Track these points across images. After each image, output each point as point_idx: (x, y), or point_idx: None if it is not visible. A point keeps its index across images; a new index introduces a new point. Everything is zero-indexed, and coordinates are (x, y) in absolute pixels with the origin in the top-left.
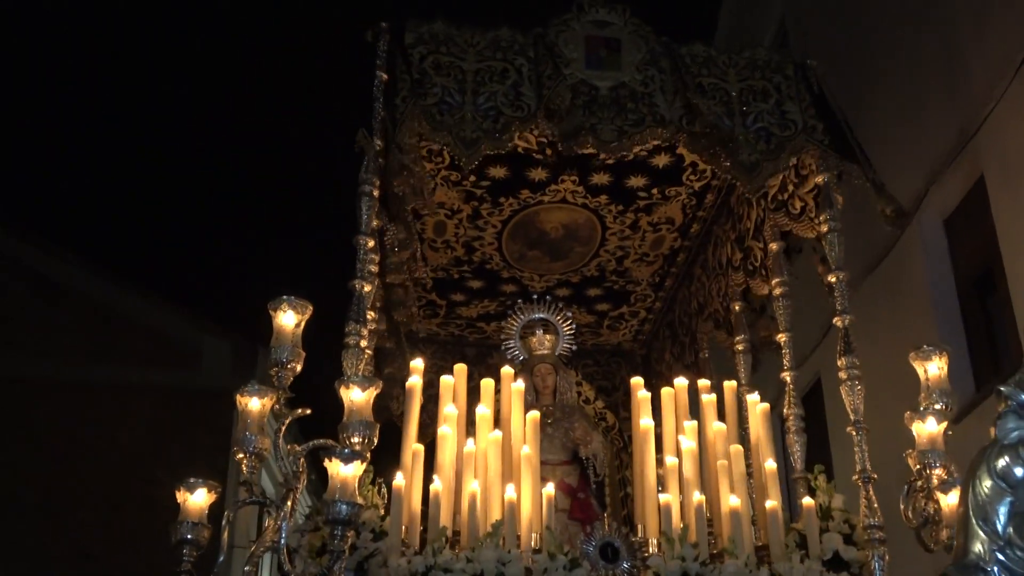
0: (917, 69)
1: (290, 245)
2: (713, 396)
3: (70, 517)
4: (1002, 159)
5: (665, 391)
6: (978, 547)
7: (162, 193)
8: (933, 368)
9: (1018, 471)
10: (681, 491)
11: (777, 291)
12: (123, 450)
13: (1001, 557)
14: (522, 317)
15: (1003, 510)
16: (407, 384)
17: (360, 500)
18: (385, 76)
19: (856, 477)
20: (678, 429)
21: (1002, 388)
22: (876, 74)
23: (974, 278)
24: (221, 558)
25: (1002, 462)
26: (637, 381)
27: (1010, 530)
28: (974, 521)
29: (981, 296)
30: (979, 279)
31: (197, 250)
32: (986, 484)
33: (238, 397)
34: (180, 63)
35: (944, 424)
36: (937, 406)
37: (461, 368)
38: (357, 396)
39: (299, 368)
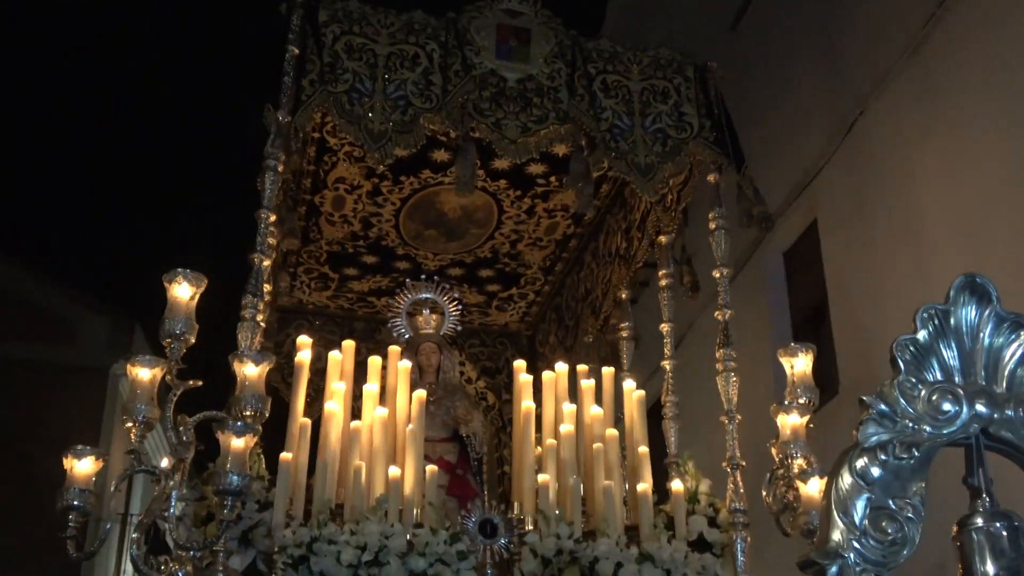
0: (774, 112)
1: (172, 220)
2: (592, 382)
3: None
4: (831, 207)
5: (547, 375)
6: (837, 536)
7: (40, 165)
8: (799, 364)
9: (875, 471)
10: (558, 472)
11: (663, 282)
12: None
13: (857, 545)
14: (409, 296)
15: (860, 504)
16: (295, 359)
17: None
18: (296, 51)
19: (725, 464)
20: (557, 412)
21: (864, 398)
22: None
23: (807, 309)
24: (108, 525)
25: (861, 463)
26: (520, 364)
27: (866, 522)
28: (835, 513)
29: (814, 326)
30: (812, 310)
31: (76, 224)
32: (847, 481)
33: (128, 367)
34: (68, 24)
35: (807, 417)
36: (801, 400)
37: (349, 345)
38: (251, 370)
39: (192, 340)
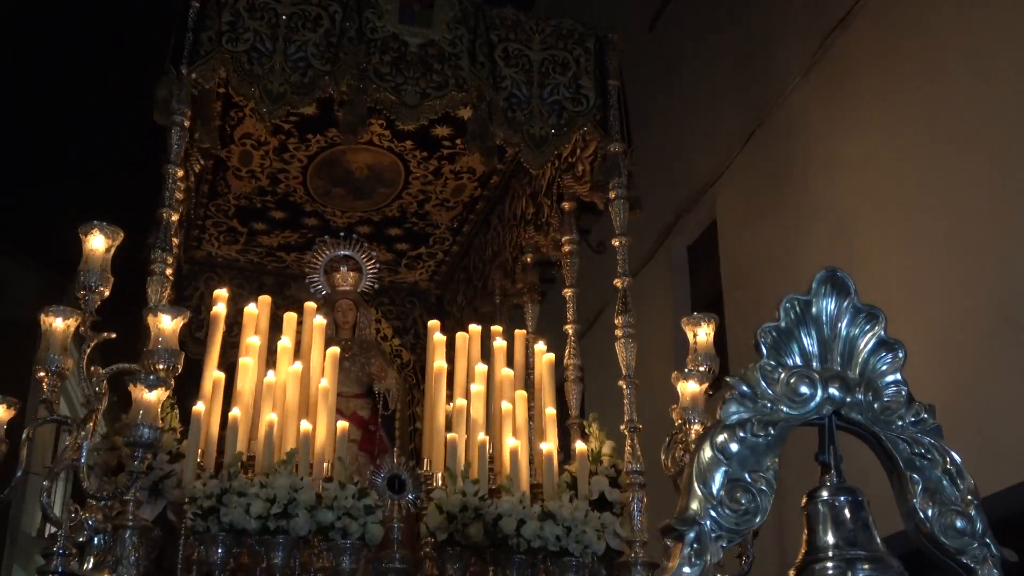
0: (684, 115)
1: (103, 175)
2: (504, 343)
3: None
4: (730, 209)
5: (460, 335)
6: (696, 505)
7: None
8: (701, 334)
9: (733, 446)
10: (467, 430)
11: (566, 248)
12: None
13: (713, 513)
14: (327, 253)
15: (719, 476)
16: (211, 312)
17: (160, 423)
18: (197, 5)
19: (623, 426)
20: (469, 372)
21: (727, 379)
22: (645, 115)
23: (707, 300)
24: (19, 473)
25: (721, 438)
26: (434, 324)
27: (723, 493)
28: (695, 484)
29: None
30: (711, 301)
31: (4, 179)
32: (707, 454)
33: (42, 316)
34: None
35: (705, 385)
36: (701, 368)
37: (265, 300)
38: (166, 324)
39: (107, 293)
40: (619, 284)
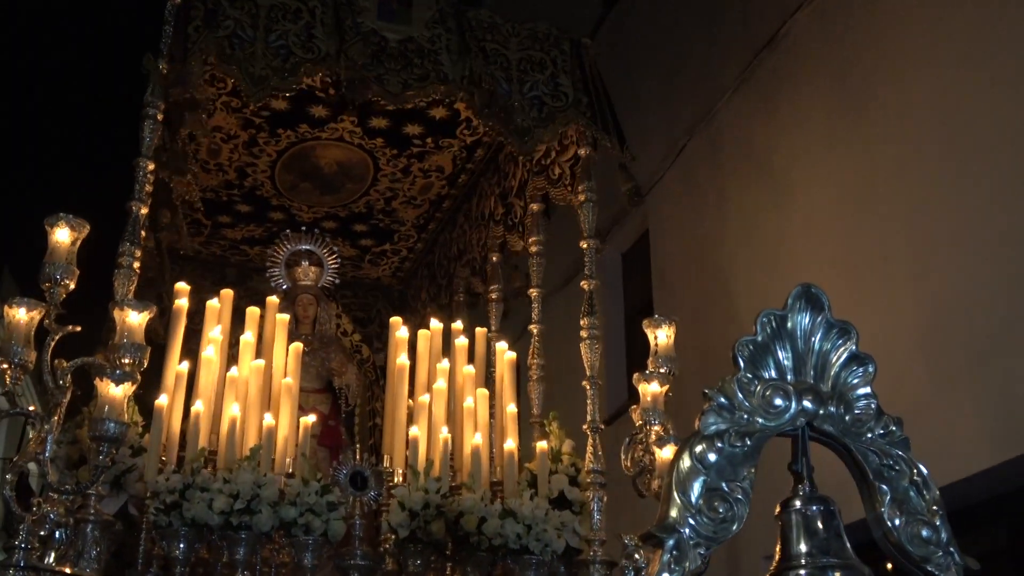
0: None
1: (54, 165)
2: (466, 341)
3: None
4: (661, 219)
5: (422, 332)
6: (675, 513)
7: None
8: (662, 336)
9: (712, 456)
10: (429, 427)
11: (533, 248)
12: None
13: (692, 522)
14: (288, 247)
15: (697, 485)
16: (174, 306)
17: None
18: (178, 0)
19: (586, 426)
20: (431, 369)
21: (706, 391)
22: None
23: (639, 306)
24: None
25: (700, 448)
26: (396, 320)
27: (701, 501)
28: (675, 493)
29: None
30: (642, 307)
31: None
32: (686, 464)
33: (6, 308)
34: None
35: (666, 387)
36: (662, 370)
37: (228, 293)
38: (133, 319)
39: (72, 286)
40: (585, 286)
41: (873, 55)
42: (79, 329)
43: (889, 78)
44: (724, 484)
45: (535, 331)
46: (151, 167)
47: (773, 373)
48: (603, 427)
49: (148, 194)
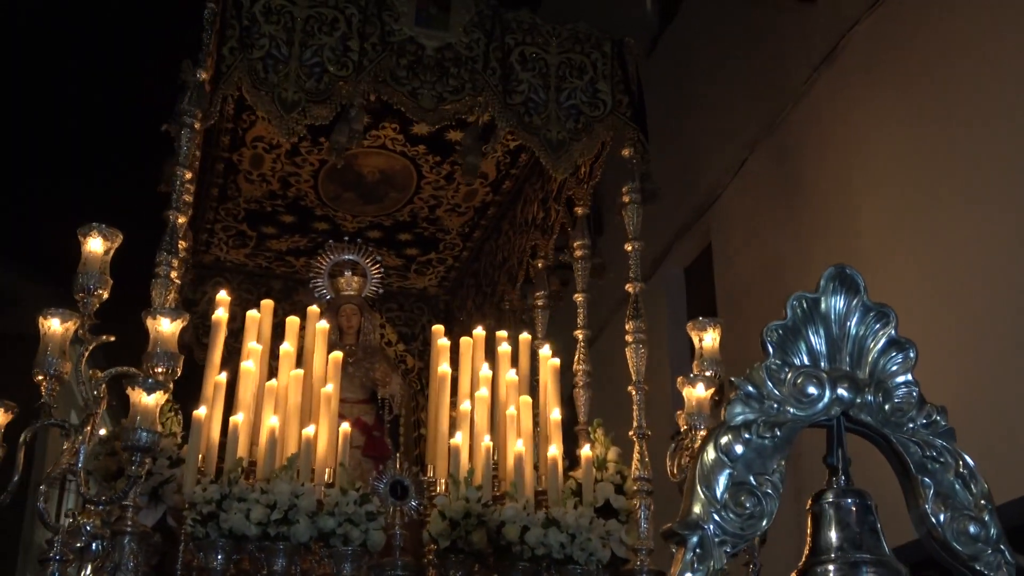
0: (682, 136)
1: (90, 179)
2: (509, 348)
3: None
4: (724, 235)
5: (464, 340)
6: (698, 508)
7: None
8: (708, 339)
9: (738, 448)
10: (471, 436)
11: (578, 253)
12: None
13: (717, 518)
14: (332, 257)
15: (723, 479)
16: (213, 317)
17: (159, 428)
18: (215, 7)
19: (632, 433)
20: (473, 377)
21: (733, 379)
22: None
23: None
24: (16, 477)
25: (725, 439)
26: (438, 328)
27: (726, 496)
28: (698, 487)
29: None
30: None
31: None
32: (711, 457)
33: (40, 319)
34: None
35: (712, 390)
36: (708, 373)
37: (268, 304)
38: (165, 327)
39: (106, 295)
40: (631, 289)
41: (946, 60)
42: (112, 339)
43: (980, 53)
44: (752, 478)
45: (580, 337)
46: (188, 176)
47: (805, 359)
48: (649, 434)
49: (186, 203)
